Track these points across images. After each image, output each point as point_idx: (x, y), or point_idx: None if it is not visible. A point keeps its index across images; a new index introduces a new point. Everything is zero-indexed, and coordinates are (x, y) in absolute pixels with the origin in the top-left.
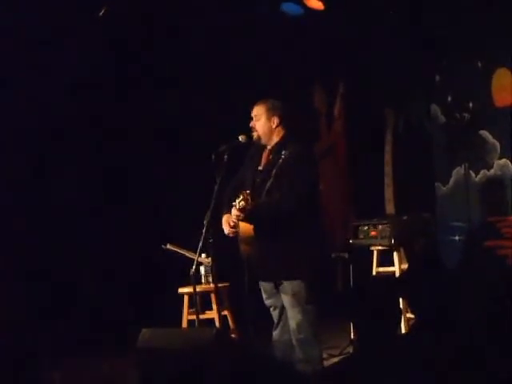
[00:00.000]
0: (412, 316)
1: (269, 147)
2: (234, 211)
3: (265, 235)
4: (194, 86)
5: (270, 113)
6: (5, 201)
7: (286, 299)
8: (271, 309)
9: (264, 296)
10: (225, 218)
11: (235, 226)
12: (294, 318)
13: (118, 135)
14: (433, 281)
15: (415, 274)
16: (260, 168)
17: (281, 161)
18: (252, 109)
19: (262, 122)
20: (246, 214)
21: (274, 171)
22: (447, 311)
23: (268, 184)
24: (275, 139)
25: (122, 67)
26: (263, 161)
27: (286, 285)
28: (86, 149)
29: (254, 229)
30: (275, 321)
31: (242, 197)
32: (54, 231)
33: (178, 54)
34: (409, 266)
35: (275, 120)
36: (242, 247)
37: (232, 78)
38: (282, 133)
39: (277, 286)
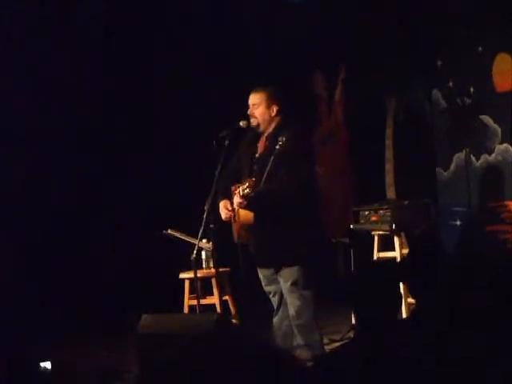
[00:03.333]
0: (413, 301)
1: (265, 134)
2: (237, 198)
3: (265, 221)
4: (194, 72)
5: (270, 101)
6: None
7: (285, 285)
8: (270, 295)
9: (263, 283)
10: (222, 204)
11: (233, 210)
12: (292, 304)
13: (117, 121)
14: (433, 266)
15: (416, 258)
16: (257, 155)
17: (278, 147)
18: (249, 96)
19: (262, 110)
20: (249, 201)
21: (272, 158)
22: (448, 296)
23: (266, 171)
24: (273, 126)
25: (123, 52)
26: (260, 148)
27: (285, 271)
28: (85, 131)
29: (255, 216)
30: (275, 307)
31: (247, 184)
32: (53, 219)
33: (177, 42)
34: (409, 251)
35: (275, 108)
36: (242, 234)
37: (232, 63)
38: (279, 119)
39: (276, 272)
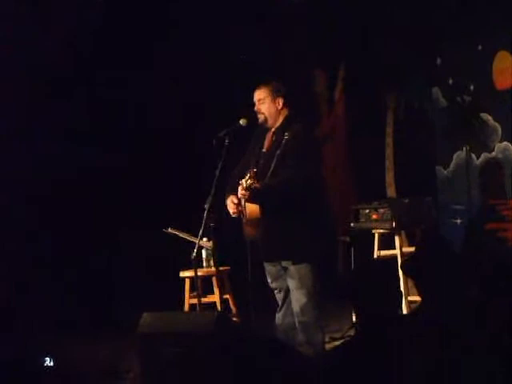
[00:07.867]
0: (412, 299)
1: (272, 129)
2: (241, 190)
3: (271, 216)
4: (196, 72)
5: (275, 94)
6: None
7: (292, 282)
8: (276, 291)
9: (269, 279)
10: (229, 199)
11: (239, 204)
12: (298, 300)
13: (118, 118)
14: (441, 262)
15: (424, 254)
16: (264, 150)
17: (284, 141)
18: (254, 93)
19: (268, 105)
20: (253, 194)
21: (278, 152)
22: (452, 292)
23: (272, 165)
24: (280, 121)
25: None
26: (266, 142)
27: (293, 269)
28: (86, 134)
29: (261, 210)
30: (279, 303)
31: (248, 175)
32: (52, 217)
33: (178, 40)
34: (416, 247)
35: (280, 101)
36: (248, 230)
37: (234, 62)
38: (285, 114)
39: (284, 269)
